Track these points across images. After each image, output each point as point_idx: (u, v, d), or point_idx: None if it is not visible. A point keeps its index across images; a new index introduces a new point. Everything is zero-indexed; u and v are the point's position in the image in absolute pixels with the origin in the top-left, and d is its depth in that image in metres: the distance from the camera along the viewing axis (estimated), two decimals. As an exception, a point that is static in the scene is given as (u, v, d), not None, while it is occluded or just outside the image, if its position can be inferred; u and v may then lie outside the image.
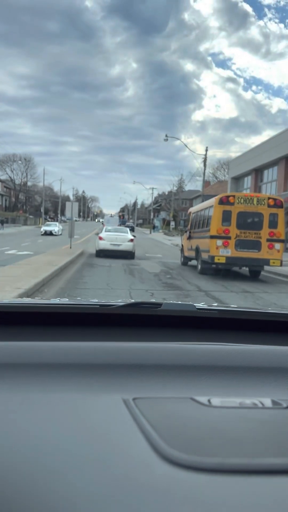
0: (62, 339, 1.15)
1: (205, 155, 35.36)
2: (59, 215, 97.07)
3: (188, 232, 17.33)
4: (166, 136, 34.72)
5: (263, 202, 13.84)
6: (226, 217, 13.69)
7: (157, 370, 0.99)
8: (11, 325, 1.31)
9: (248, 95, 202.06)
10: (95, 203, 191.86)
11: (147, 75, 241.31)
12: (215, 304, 1.79)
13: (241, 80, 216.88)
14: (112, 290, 10.24)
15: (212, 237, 13.68)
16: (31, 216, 76.10)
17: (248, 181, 36.65)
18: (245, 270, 15.69)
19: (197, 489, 0.56)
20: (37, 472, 0.59)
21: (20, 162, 79.85)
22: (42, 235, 42.01)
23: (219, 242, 13.61)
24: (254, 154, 34.13)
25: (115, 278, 12.53)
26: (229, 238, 13.62)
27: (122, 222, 64.43)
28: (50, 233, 43.33)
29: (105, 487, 0.56)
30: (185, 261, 18.02)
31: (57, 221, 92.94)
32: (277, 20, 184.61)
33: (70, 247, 22.53)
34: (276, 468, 0.62)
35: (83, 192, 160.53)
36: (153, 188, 76.07)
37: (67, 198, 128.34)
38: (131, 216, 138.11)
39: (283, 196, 21.09)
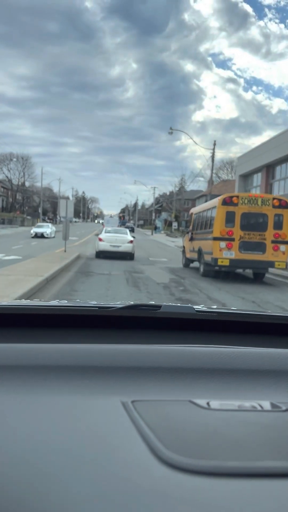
0: (60, 341, 1.16)
1: (213, 149, 32.34)
2: (58, 216, 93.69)
3: (190, 233, 17.09)
4: (171, 128, 31.98)
5: (267, 203, 13.55)
6: (229, 218, 13.36)
7: (156, 372, 1.00)
8: (10, 327, 1.31)
9: (248, 95, 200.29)
10: (95, 204, 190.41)
11: (147, 75, 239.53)
12: (215, 306, 1.72)
13: (242, 81, 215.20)
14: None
15: (215, 238, 13.40)
16: (28, 217, 73.43)
17: (258, 179, 33.47)
18: (248, 272, 15.40)
19: (196, 492, 0.57)
20: (35, 474, 0.60)
21: (15, 159, 76.62)
22: (32, 237, 38.36)
23: (223, 244, 13.32)
24: (265, 148, 31.01)
25: (116, 292, 10.42)
26: (233, 239, 13.35)
27: (122, 223, 63.84)
28: (41, 236, 39.29)
29: (103, 490, 0.57)
30: (187, 262, 17.77)
31: (55, 222, 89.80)
32: (277, 21, 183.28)
33: (65, 251, 19.64)
34: (275, 471, 0.62)
35: (83, 193, 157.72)
36: (154, 187, 73.57)
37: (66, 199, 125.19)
38: (132, 217, 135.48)
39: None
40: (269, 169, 32.07)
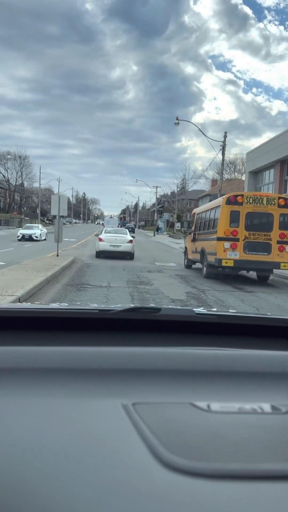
0: (61, 344, 1.17)
1: (224, 141, 29.18)
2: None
3: (192, 234, 16.84)
4: (177, 119, 28.74)
5: (273, 202, 13.25)
6: (234, 218, 13.12)
7: (156, 375, 1.01)
8: (10, 330, 1.31)
9: (248, 97, 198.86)
10: (96, 205, 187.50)
11: (147, 77, 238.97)
12: (215, 309, 1.80)
13: (241, 83, 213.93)
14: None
15: (219, 239, 13.14)
16: (26, 218, 70.13)
17: (270, 175, 30.33)
18: (252, 274, 15.05)
19: (197, 495, 0.58)
20: (36, 477, 0.60)
21: (9, 156, 73.40)
22: (19, 240, 33.96)
23: (227, 244, 13.07)
24: (279, 142, 27.91)
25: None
26: (237, 240, 13.07)
27: (123, 224, 64.25)
28: (29, 238, 34.29)
29: (104, 492, 0.57)
30: (189, 264, 17.61)
31: (53, 223, 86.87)
32: (277, 22, 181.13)
33: (57, 255, 16.29)
34: (276, 474, 0.63)
35: (84, 194, 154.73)
36: (157, 186, 70.31)
37: (67, 201, 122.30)
38: (133, 218, 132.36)
39: None
40: (283, 165, 28.90)
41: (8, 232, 48.36)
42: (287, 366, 1.08)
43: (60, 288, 10.51)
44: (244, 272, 14.55)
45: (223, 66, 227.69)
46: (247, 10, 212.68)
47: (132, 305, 1.45)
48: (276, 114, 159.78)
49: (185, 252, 18.33)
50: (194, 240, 16.39)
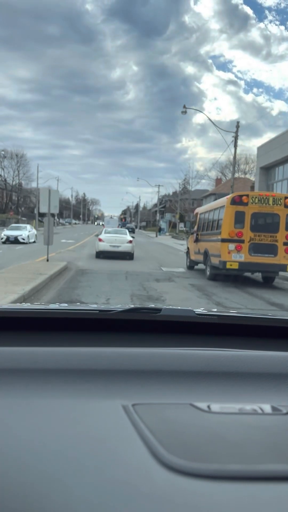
0: (61, 345, 1.18)
1: (236, 132, 26.30)
2: (56, 217, 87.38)
3: (195, 235, 16.50)
4: (185, 107, 26.06)
5: (279, 202, 12.73)
6: (239, 219, 12.65)
7: (156, 376, 1.01)
8: (10, 330, 1.33)
9: (249, 97, 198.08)
10: (96, 206, 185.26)
11: (147, 78, 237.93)
12: (215, 310, 1.78)
13: (242, 83, 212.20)
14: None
15: (223, 240, 12.65)
16: (23, 218, 67.22)
17: (284, 171, 27.33)
18: (257, 275, 14.52)
19: (197, 496, 0.58)
20: (35, 478, 0.61)
21: (3, 153, 70.36)
22: (3, 242, 29.72)
23: (232, 246, 12.59)
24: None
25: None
26: (243, 241, 12.59)
27: (123, 225, 64.31)
28: (15, 240, 29.78)
29: (104, 493, 0.58)
30: (191, 265, 17.33)
31: (53, 224, 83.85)
32: (277, 22, 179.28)
33: (47, 260, 15.62)
34: (276, 475, 0.63)
35: (84, 194, 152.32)
36: (159, 185, 67.42)
37: (67, 201, 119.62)
38: (134, 218, 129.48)
39: None
40: (299, 159, 25.79)
41: (1, 234, 45.62)
42: None
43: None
44: (248, 274, 14.32)
45: (224, 66, 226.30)
46: (248, 10, 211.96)
47: (132, 306, 1.47)
48: (277, 114, 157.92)
49: (187, 253, 18.06)
50: (196, 240, 15.99)
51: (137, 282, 12.11)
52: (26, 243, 29.79)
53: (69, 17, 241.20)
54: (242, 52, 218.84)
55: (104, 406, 0.86)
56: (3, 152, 76.31)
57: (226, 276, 13.29)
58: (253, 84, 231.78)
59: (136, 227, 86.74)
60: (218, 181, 66.51)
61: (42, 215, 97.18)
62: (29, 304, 1.91)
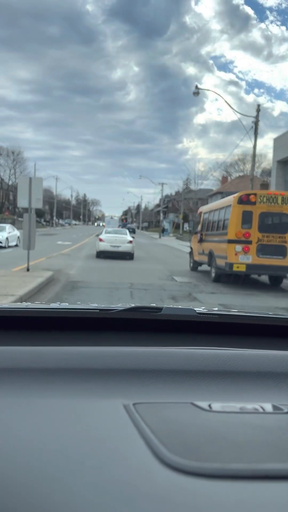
0: (62, 344, 1.19)
1: (257, 116, 22.65)
2: (54, 218, 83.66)
3: (199, 235, 15.83)
4: (197, 88, 22.49)
5: None
6: (246, 219, 12.22)
7: (157, 375, 1.03)
8: (11, 329, 1.34)
9: (250, 98, 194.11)
10: (97, 206, 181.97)
11: (148, 78, 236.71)
12: (216, 309, 1.79)
13: (243, 83, 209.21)
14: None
15: (230, 241, 12.25)
16: (20, 219, 63.36)
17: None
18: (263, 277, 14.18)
19: (198, 495, 0.59)
20: (36, 478, 0.62)
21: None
22: None
23: (239, 247, 12.12)
24: None
25: None
26: (250, 242, 12.16)
27: (124, 225, 64.00)
28: None
29: (105, 493, 0.59)
30: (195, 266, 16.73)
31: (52, 225, 79.97)
32: (278, 23, 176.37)
33: (28, 269, 12.48)
34: (277, 474, 0.64)
35: (84, 195, 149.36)
36: (163, 183, 63.78)
37: (67, 202, 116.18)
38: (135, 219, 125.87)
39: None
40: None
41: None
42: None
43: None
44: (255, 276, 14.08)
45: (225, 67, 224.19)
46: (249, 10, 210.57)
47: (133, 305, 1.47)
48: (278, 114, 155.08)
49: (191, 253, 17.70)
50: (201, 241, 15.61)
51: (147, 301, 8.74)
52: (5, 247, 24.52)
53: (69, 18, 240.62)
54: (243, 52, 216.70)
55: (105, 406, 0.86)
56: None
57: (230, 278, 12.94)
58: (254, 85, 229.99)
59: (138, 228, 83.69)
60: (224, 179, 63.51)
61: (40, 215, 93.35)
62: (30, 303, 1.90)
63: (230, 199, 13.07)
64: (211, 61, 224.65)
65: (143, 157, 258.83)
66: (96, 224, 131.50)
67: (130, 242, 20.50)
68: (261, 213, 12.26)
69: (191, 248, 17.61)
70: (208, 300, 10.01)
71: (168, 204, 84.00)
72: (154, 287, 11.57)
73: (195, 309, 1.46)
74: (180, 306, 1.54)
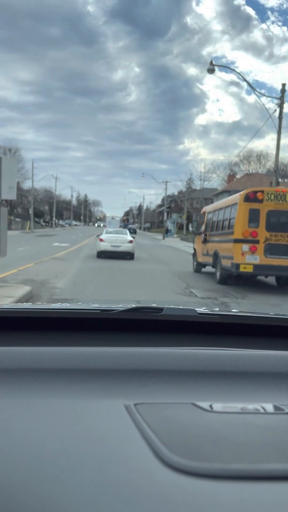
0: (63, 344, 1.20)
1: (281, 98, 19.85)
2: (54, 218, 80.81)
3: (203, 235, 15.46)
4: (212, 64, 19.65)
5: None
6: (253, 217, 11.80)
7: (158, 375, 1.04)
8: (12, 330, 1.35)
9: (251, 98, 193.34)
10: (98, 207, 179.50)
11: (149, 79, 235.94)
12: (217, 309, 1.83)
13: (244, 84, 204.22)
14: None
15: (236, 241, 11.87)
16: (18, 219, 60.96)
17: None
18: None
19: (199, 495, 0.60)
20: (37, 478, 0.63)
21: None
22: None
23: (245, 247, 11.65)
24: None
25: None
26: (257, 242, 11.74)
27: (125, 226, 63.54)
28: None
29: (106, 493, 0.60)
30: (199, 267, 16.34)
31: (51, 225, 77.24)
32: (280, 23, 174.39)
33: None
34: (278, 474, 0.65)
35: (85, 195, 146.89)
36: (166, 181, 61.64)
37: (67, 202, 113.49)
38: (137, 219, 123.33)
39: None
40: None
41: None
42: None
43: None
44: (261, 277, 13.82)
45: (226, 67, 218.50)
46: (250, 11, 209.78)
47: (134, 305, 1.47)
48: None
49: (194, 254, 17.33)
50: (205, 241, 15.24)
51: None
52: None
53: (70, 19, 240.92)
54: (244, 53, 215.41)
55: (106, 406, 0.87)
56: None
57: (236, 279, 12.67)
58: (255, 85, 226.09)
59: (140, 229, 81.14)
60: (230, 177, 61.11)
61: (39, 215, 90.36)
62: (31, 304, 1.90)
63: (236, 197, 12.66)
64: (212, 62, 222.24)
65: (144, 158, 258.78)
66: (96, 225, 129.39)
67: (131, 242, 20.94)
68: (269, 211, 11.85)
69: (195, 249, 17.30)
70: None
71: (171, 204, 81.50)
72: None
73: (196, 309, 1.47)
74: (181, 307, 1.54)
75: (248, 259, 11.62)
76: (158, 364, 1.06)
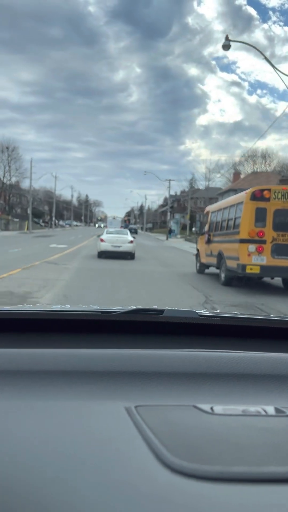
0: (63, 346, 1.20)
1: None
2: (53, 218, 78.45)
3: (206, 235, 15.16)
4: (228, 38, 17.40)
5: None
6: (260, 216, 11.42)
7: (159, 377, 1.04)
8: (12, 332, 1.35)
9: (252, 99, 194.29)
10: (100, 208, 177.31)
11: (151, 80, 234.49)
12: (218, 311, 1.83)
13: (246, 84, 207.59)
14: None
15: (242, 241, 11.53)
16: (15, 219, 58.78)
17: None
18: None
19: (199, 497, 0.60)
20: (37, 479, 0.64)
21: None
22: None
23: (252, 247, 11.28)
24: None
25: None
26: (264, 242, 11.39)
27: (126, 226, 63.33)
28: None
29: (107, 495, 0.61)
30: (202, 268, 16.10)
31: (51, 226, 75.21)
32: (281, 23, 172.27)
33: None
34: (280, 477, 0.65)
35: (86, 196, 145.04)
36: (170, 180, 59.74)
37: (68, 202, 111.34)
38: (139, 220, 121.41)
39: None
40: None
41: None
42: None
43: None
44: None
45: (227, 67, 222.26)
46: (252, 11, 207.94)
47: (135, 307, 1.45)
48: (281, 115, 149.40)
49: (197, 255, 16.96)
50: (208, 242, 14.78)
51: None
52: None
53: (72, 19, 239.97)
54: (246, 53, 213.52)
55: (106, 408, 0.88)
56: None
57: (242, 281, 12.37)
58: (257, 86, 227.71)
59: (142, 229, 79.02)
60: (236, 176, 59.28)
61: (39, 215, 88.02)
62: (31, 305, 1.86)
63: (242, 195, 12.33)
64: (213, 62, 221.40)
65: (145, 158, 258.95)
66: (97, 225, 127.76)
67: (131, 242, 21.24)
68: (276, 210, 11.51)
69: (198, 249, 17.01)
70: None
71: (173, 204, 79.27)
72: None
73: (196, 311, 1.47)
74: (182, 309, 1.55)
75: (255, 260, 11.31)
76: (159, 366, 1.07)
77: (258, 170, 61.96)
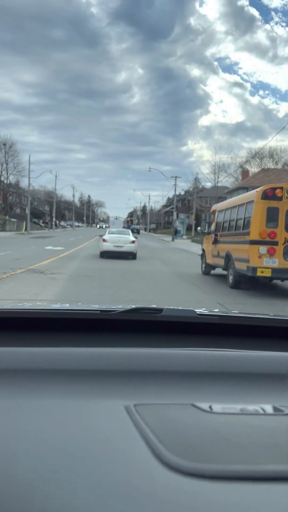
0: (62, 345, 1.21)
1: None
2: (53, 219, 75.23)
3: (213, 235, 14.67)
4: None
5: None
6: (271, 216, 10.89)
7: (158, 376, 1.05)
8: (11, 330, 1.36)
9: (255, 99, 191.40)
10: (102, 208, 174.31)
11: (153, 81, 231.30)
12: (216, 310, 1.80)
13: (248, 85, 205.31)
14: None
15: (253, 242, 11.03)
16: (13, 220, 55.83)
17: None
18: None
19: (198, 496, 0.62)
20: (37, 479, 0.65)
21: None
22: None
23: (263, 249, 10.75)
24: None
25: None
26: (276, 243, 10.87)
27: (128, 227, 63.23)
28: None
29: (106, 493, 0.62)
30: (208, 269, 15.58)
31: (51, 226, 72.15)
32: (284, 24, 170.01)
33: None
34: (278, 475, 0.67)
35: (88, 196, 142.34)
36: (176, 177, 56.04)
37: (69, 203, 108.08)
38: (141, 220, 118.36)
39: None
40: None
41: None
42: None
43: None
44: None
45: (230, 68, 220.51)
46: (254, 11, 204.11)
47: (134, 306, 1.46)
48: (284, 116, 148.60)
49: (202, 256, 16.49)
50: (215, 242, 14.32)
51: None
52: None
53: (74, 21, 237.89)
54: (248, 54, 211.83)
55: (105, 407, 0.89)
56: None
57: (252, 284, 12.06)
58: (259, 86, 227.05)
59: (145, 230, 76.23)
60: (244, 173, 56.90)
61: (39, 215, 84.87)
62: (31, 304, 1.91)
63: (253, 194, 11.77)
64: (216, 63, 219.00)
65: (147, 159, 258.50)
66: (98, 226, 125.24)
67: (133, 242, 21.67)
68: None
69: (203, 249, 16.61)
70: None
71: (178, 204, 76.07)
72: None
73: (195, 310, 1.47)
74: (181, 308, 1.56)
75: (266, 262, 10.78)
76: (157, 365, 1.07)
77: (266, 167, 59.19)
